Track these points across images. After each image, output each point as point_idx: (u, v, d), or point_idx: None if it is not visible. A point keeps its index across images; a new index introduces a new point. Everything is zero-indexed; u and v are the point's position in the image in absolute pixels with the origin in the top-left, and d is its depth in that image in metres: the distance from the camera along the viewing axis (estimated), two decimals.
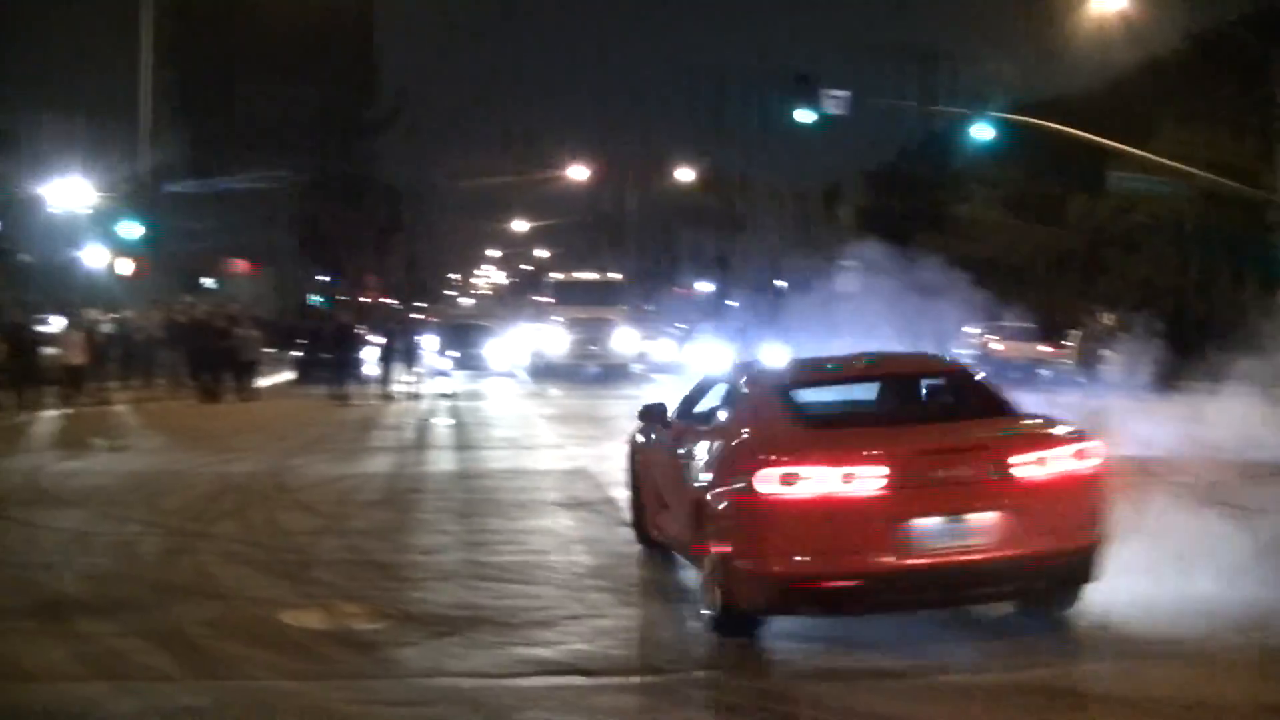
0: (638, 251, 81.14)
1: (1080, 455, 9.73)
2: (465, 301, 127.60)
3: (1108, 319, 42.33)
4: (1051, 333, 48.15)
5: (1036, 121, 40.89)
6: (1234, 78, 44.36)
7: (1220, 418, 26.60)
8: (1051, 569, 9.55)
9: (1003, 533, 9.26)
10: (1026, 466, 9.44)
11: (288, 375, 43.22)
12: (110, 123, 45.76)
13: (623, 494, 14.58)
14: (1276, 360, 35.28)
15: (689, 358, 46.69)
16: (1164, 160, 42.57)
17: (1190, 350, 37.94)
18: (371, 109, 78.41)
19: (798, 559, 9.15)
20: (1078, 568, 9.60)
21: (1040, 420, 10.50)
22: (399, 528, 14.47)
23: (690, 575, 10.97)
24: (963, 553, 9.21)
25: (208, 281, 68.57)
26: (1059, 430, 10.07)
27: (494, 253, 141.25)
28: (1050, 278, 61.09)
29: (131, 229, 40.16)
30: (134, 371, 35.99)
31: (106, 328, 37.24)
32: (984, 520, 9.28)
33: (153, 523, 14.75)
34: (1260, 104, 43.36)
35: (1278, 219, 43.07)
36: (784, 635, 9.57)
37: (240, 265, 67.39)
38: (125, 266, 41.23)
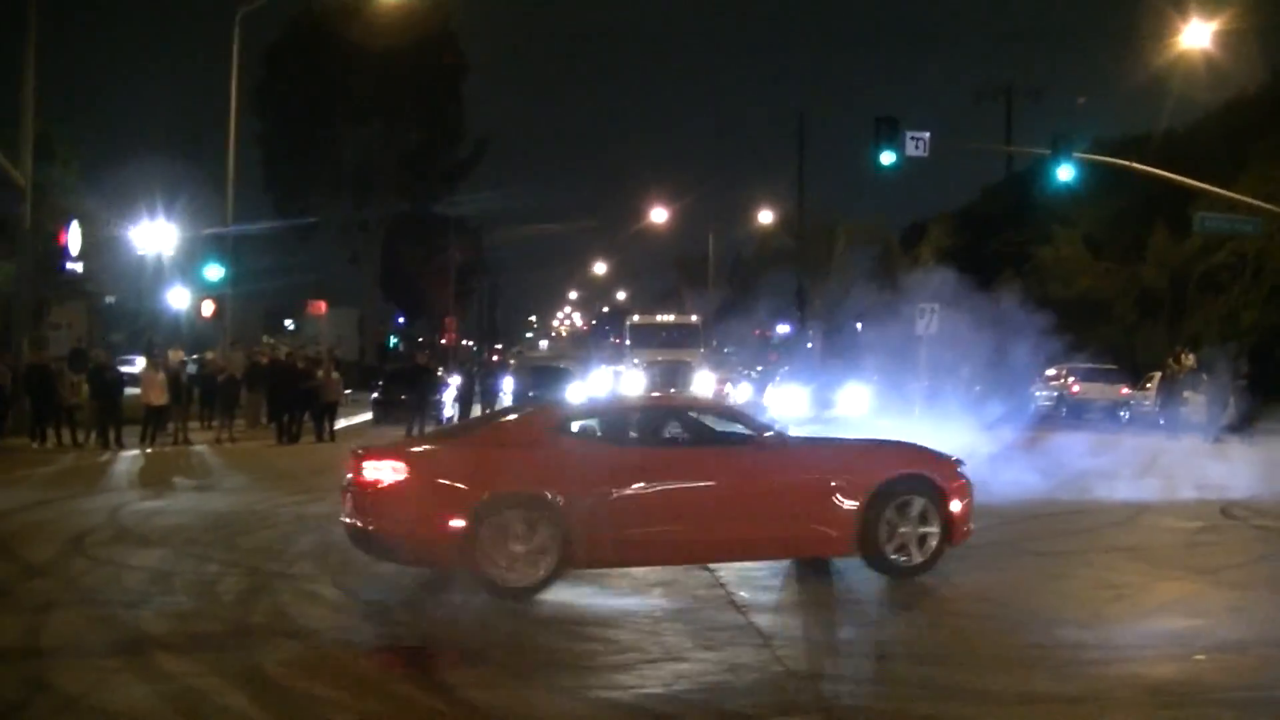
0: (717, 294, 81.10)
1: None
2: (543, 344, 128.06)
3: (1189, 360, 41.87)
4: (1133, 374, 47.73)
5: (1118, 161, 40.65)
6: None
7: None
8: None
9: None
10: None
11: (366, 416, 43.46)
12: (197, 165, 46.44)
13: None
14: None
15: (768, 400, 46.59)
16: (1248, 199, 42.17)
17: (1273, 392, 37.51)
18: (455, 152, 78.84)
19: None
20: None
21: None
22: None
23: (763, 619, 10.91)
24: None
25: (289, 323, 69.18)
26: None
27: (574, 294, 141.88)
28: (1132, 318, 60.54)
29: (214, 271, 40.65)
30: (214, 412, 36.28)
31: (189, 368, 37.60)
32: None
33: (233, 562, 14.82)
34: None
35: None
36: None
37: (321, 306, 67.93)
38: (207, 308, 41.72)
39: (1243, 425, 37.40)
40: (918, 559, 13.76)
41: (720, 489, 13.44)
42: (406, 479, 12.72)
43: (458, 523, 12.40)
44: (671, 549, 13.38)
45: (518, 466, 13.06)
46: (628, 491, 13.01)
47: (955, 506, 13.96)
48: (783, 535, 13.57)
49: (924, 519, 13.78)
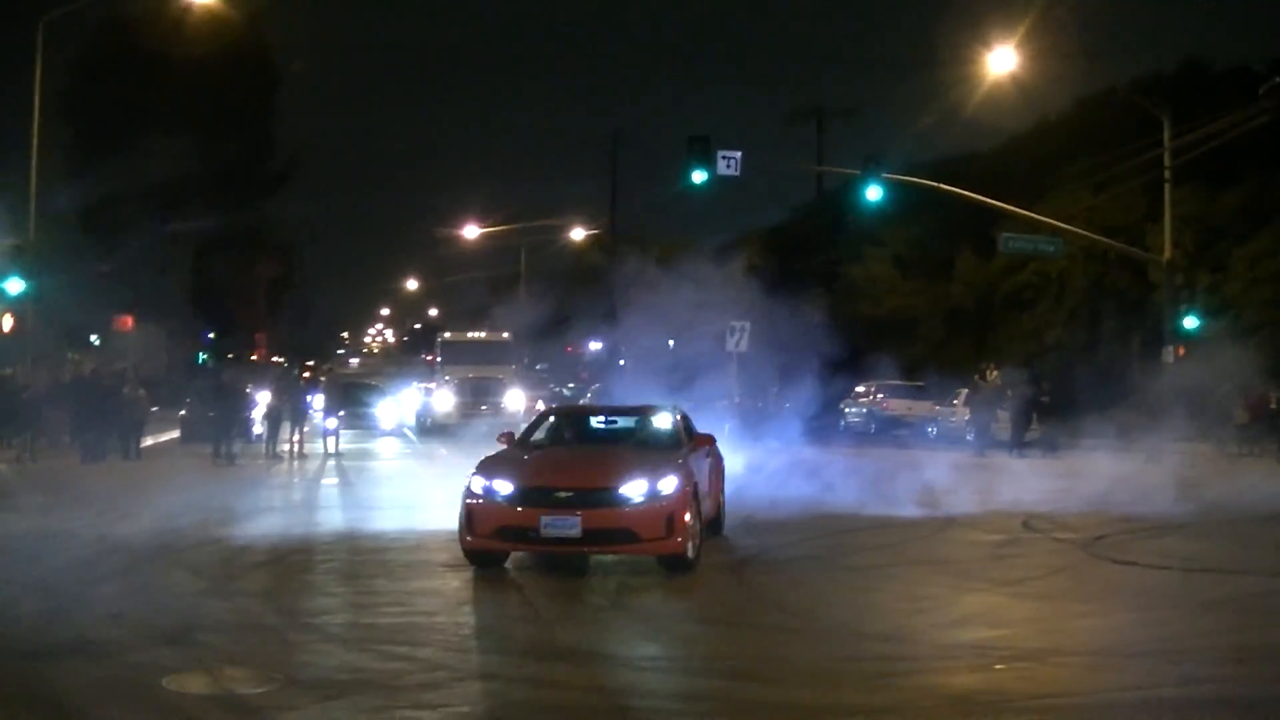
0: (529, 311, 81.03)
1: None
2: (354, 360, 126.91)
3: (995, 377, 42.83)
4: (941, 391, 48.63)
5: (926, 182, 41.38)
6: (1121, 140, 45.15)
7: (1102, 472, 27.10)
8: None
9: None
10: None
11: (174, 434, 42.62)
12: None
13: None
14: (1160, 416, 35.94)
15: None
16: (1051, 220, 43.21)
17: (1077, 407, 38.53)
18: (266, 165, 77.84)
19: None
20: None
21: None
22: (284, 590, 14.28)
23: (578, 634, 10.92)
24: None
25: (94, 338, 67.59)
26: None
27: (386, 311, 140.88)
28: (940, 336, 61.73)
29: (15, 284, 39.54)
30: (15, 430, 35.22)
31: None
32: None
33: (31, 585, 14.43)
34: (1146, 166, 44.14)
35: (1162, 278, 43.78)
36: None
37: (128, 321, 66.43)
38: (7, 322, 40.59)
39: (1045, 440, 38.37)
40: None
41: None
42: None
43: None
44: None
45: None
46: None
47: None
48: None
49: None
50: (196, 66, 61.79)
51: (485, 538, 14.81)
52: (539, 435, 18.18)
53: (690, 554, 14.68)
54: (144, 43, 61.38)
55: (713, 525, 17.04)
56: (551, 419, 19.26)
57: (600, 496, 14.57)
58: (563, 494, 14.60)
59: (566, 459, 16.59)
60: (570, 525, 14.33)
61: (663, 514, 14.41)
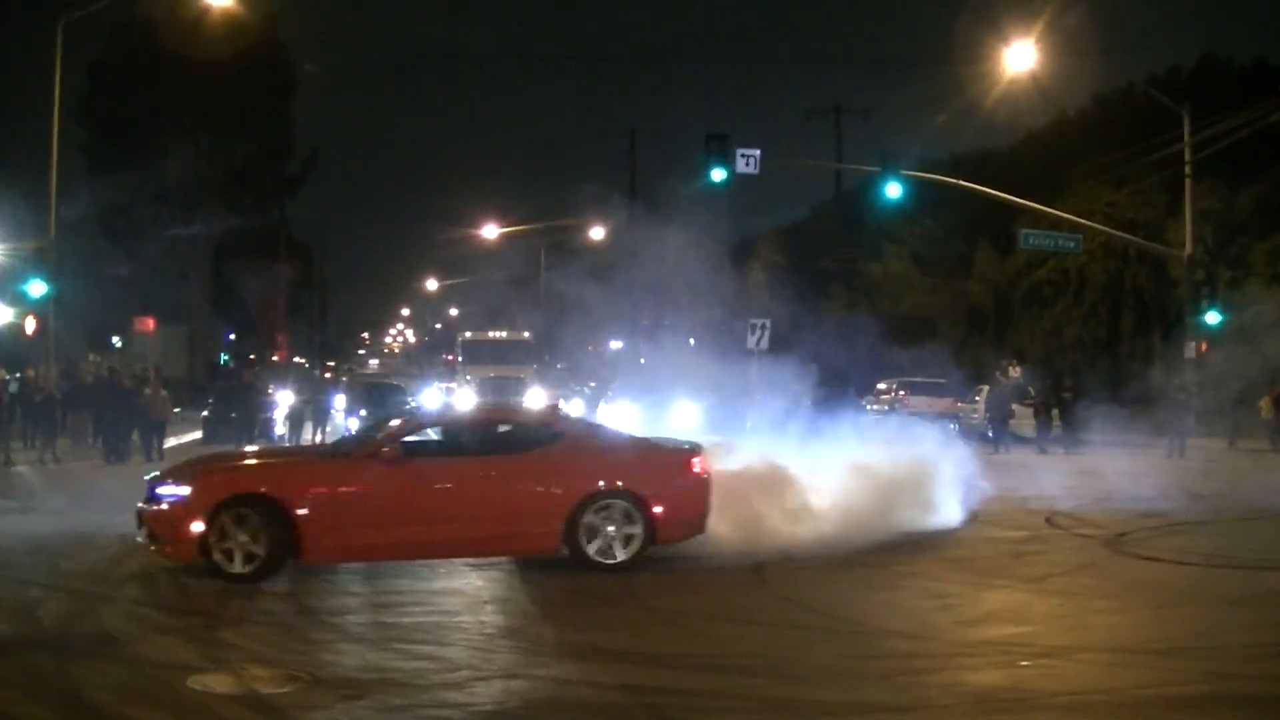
0: (550, 309, 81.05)
1: None
2: (373, 361, 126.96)
3: (1015, 373, 42.72)
4: (962, 387, 48.47)
5: (945, 179, 41.36)
6: (1140, 136, 45.07)
7: (1124, 469, 27.01)
8: None
9: None
10: None
11: (196, 435, 42.70)
12: (18, 178, 45.22)
13: None
14: (1182, 412, 35.84)
15: (602, 416, 46.52)
16: (1070, 216, 43.13)
17: (1098, 403, 38.45)
18: (285, 166, 77.92)
19: None
20: None
21: None
22: (307, 589, 14.30)
23: (601, 633, 10.94)
24: None
25: (116, 340, 67.80)
26: None
27: (406, 311, 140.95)
28: (959, 333, 61.59)
29: (37, 287, 39.64)
30: (37, 431, 35.25)
31: (11, 387, 36.61)
32: None
33: (54, 585, 14.48)
34: (1166, 162, 44.05)
35: (1182, 274, 43.69)
36: None
37: (149, 323, 66.61)
38: (30, 325, 40.71)
39: (1066, 436, 38.29)
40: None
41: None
42: None
43: None
44: None
45: None
46: None
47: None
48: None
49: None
50: (214, 68, 61.81)
51: None
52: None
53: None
54: (161, 45, 61.48)
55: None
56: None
57: None
58: None
59: None
60: None
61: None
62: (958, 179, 41.53)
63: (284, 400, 39.87)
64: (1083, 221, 43.59)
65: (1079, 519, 20.44)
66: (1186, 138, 41.23)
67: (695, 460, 16.34)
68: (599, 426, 17.92)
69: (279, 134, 75.76)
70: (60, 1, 40.62)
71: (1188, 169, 41.77)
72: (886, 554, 16.84)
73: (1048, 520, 20.29)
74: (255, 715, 9.27)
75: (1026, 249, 47.96)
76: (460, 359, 54.18)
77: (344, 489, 15.22)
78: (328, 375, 75.68)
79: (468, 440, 16.87)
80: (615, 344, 74.75)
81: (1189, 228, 42.29)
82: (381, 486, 15.19)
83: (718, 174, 35.45)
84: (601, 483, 15.64)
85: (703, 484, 16.26)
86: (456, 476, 15.77)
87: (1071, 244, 43.78)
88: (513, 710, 9.51)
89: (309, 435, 36.92)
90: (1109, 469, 27.85)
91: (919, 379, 50.94)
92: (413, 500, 15.22)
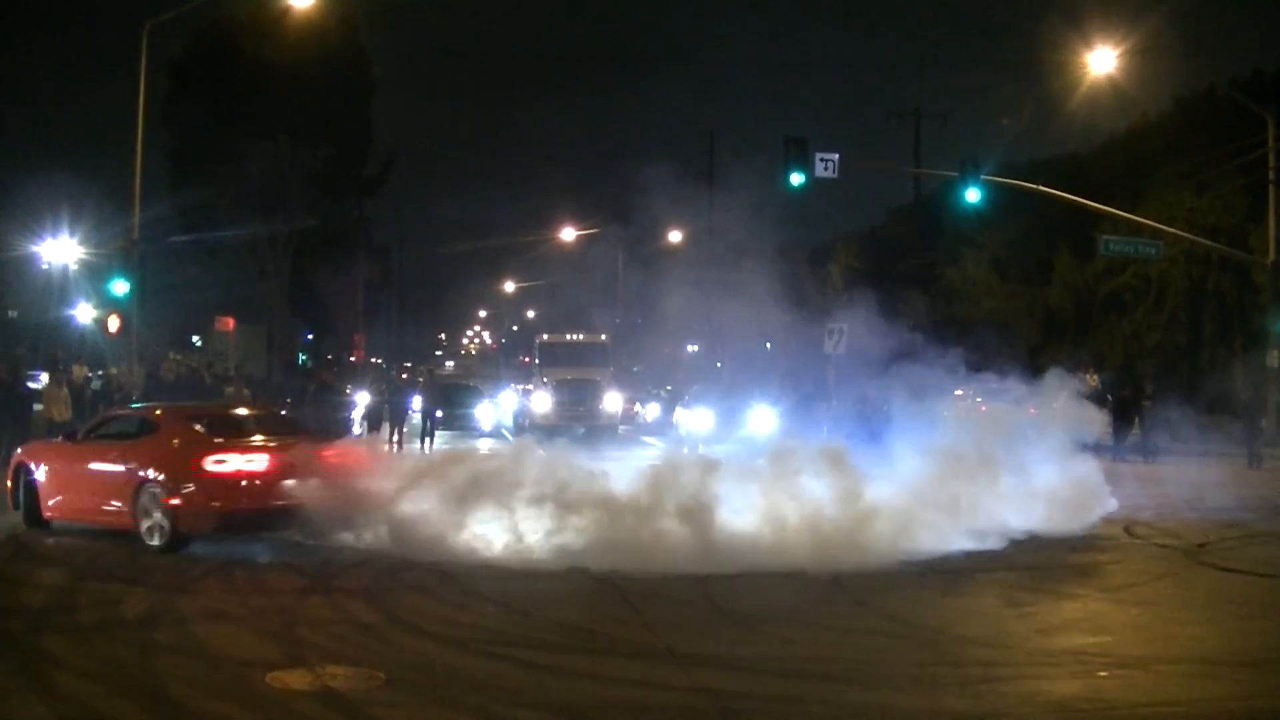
0: (626, 312, 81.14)
1: None
2: (449, 363, 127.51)
3: (1094, 381, 42.34)
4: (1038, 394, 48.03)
5: (1025, 184, 41.02)
6: (1223, 141, 44.61)
7: (1204, 478, 26.70)
8: None
9: None
10: None
11: None
12: (103, 180, 45.80)
13: None
14: (1264, 421, 35.40)
15: (678, 419, 46.54)
16: (1151, 222, 42.75)
17: (1178, 411, 38.02)
18: (364, 167, 78.36)
19: None
20: None
21: None
22: (383, 588, 14.38)
23: (676, 635, 10.91)
24: None
25: (196, 339, 68.52)
26: None
27: (483, 313, 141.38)
28: (1037, 339, 61.14)
29: (120, 286, 40.08)
30: None
31: (93, 384, 37.05)
32: None
33: (132, 580, 14.66)
34: (1248, 167, 43.58)
35: (1266, 280, 43.20)
36: None
37: (229, 323, 67.33)
38: (113, 323, 41.16)
39: (1145, 444, 37.91)
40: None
41: None
42: None
43: None
44: None
45: None
46: None
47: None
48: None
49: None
50: (295, 70, 62.24)
51: None
52: None
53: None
54: (243, 47, 61.99)
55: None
56: None
57: None
58: None
59: None
60: None
61: None
62: (1037, 183, 41.19)
63: (361, 401, 40.09)
64: (1163, 227, 43.19)
65: (1158, 528, 20.23)
66: (1270, 142, 40.77)
67: (211, 458, 17.03)
68: (193, 423, 18.40)
69: (359, 135, 76.11)
70: (144, 5, 41.12)
71: (1271, 174, 41.30)
72: (962, 560, 16.76)
73: (1126, 529, 20.09)
74: (332, 713, 9.36)
75: (1107, 254, 47.52)
76: (537, 360, 54.20)
77: (55, 464, 19.22)
78: (404, 376, 75.97)
79: (119, 430, 19.16)
80: (691, 348, 74.81)
81: (1271, 233, 41.78)
82: (66, 464, 19.01)
83: (796, 178, 35.34)
84: (150, 472, 17.32)
85: (215, 481, 16.93)
86: (92, 457, 18.61)
87: (1152, 250, 43.36)
88: (587, 711, 9.54)
89: (386, 435, 37.08)
90: (1189, 478, 27.56)
91: (994, 385, 50.61)
92: (72, 476, 18.73)
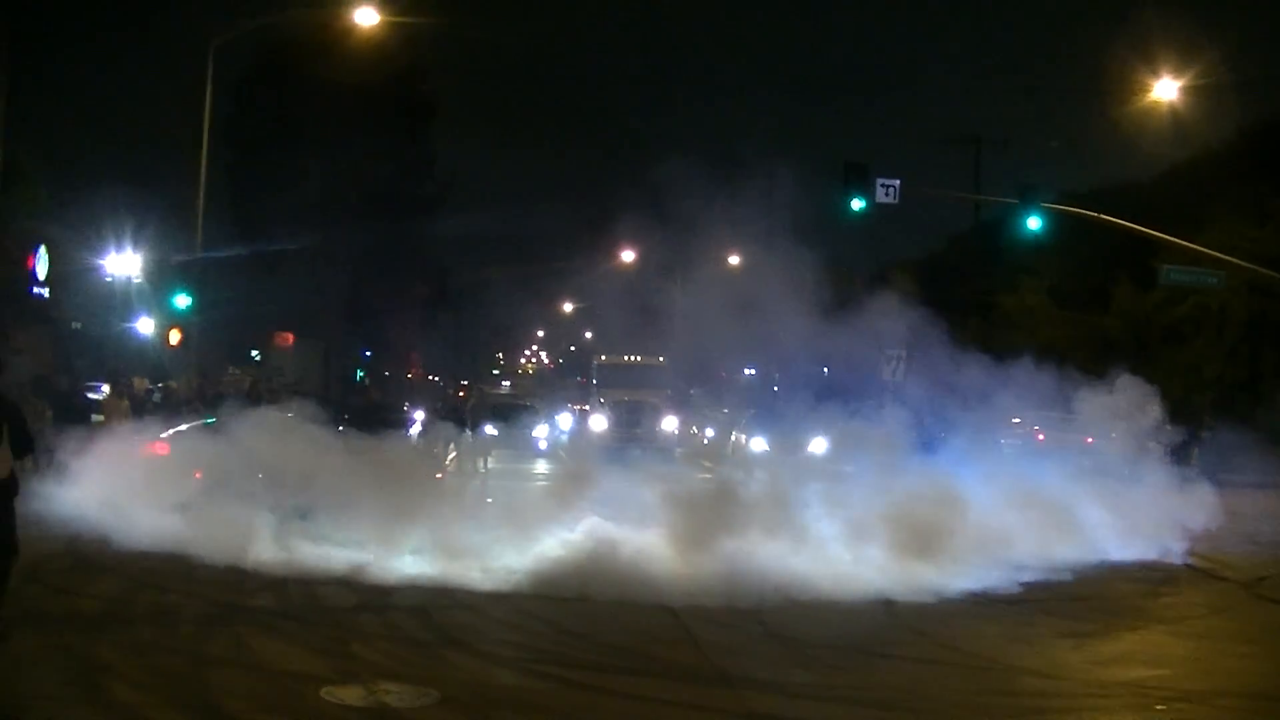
0: (684, 335, 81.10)
1: None
2: (505, 383, 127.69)
3: (1153, 411, 41.97)
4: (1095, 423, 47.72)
5: (1085, 212, 40.71)
6: None
7: (1263, 511, 26.43)
8: None
9: None
10: None
11: None
12: (166, 195, 46.14)
13: None
14: None
15: (733, 443, 46.40)
16: (1212, 252, 42.43)
17: (1238, 443, 37.68)
18: (423, 186, 78.67)
19: None
20: None
21: None
22: (435, 606, 14.40)
23: (729, 659, 10.87)
24: None
25: (255, 353, 68.86)
26: None
27: (541, 333, 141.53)
28: (1096, 369, 60.72)
29: (182, 299, 40.45)
30: None
31: (153, 396, 37.31)
32: None
33: (190, 593, 14.72)
34: None
35: None
36: None
37: (288, 338, 67.56)
38: (174, 336, 41.47)
39: (1204, 476, 37.53)
40: None
41: None
42: None
43: None
44: None
45: None
46: None
47: None
48: None
49: None
50: (355, 89, 62.61)
51: None
52: None
53: None
54: (305, 65, 62.40)
55: None
56: None
57: None
58: None
59: None
60: None
61: None
62: (1096, 212, 40.90)
63: (418, 418, 40.13)
64: (1225, 257, 42.83)
65: (1217, 561, 20.02)
66: None
67: None
68: None
69: (418, 155, 76.56)
70: (210, 24, 41.42)
71: None
72: (1015, 589, 16.64)
73: (1185, 562, 19.92)
74: None
75: (1167, 284, 47.15)
76: (594, 381, 54.21)
77: None
78: (460, 394, 76.13)
79: None
80: (749, 371, 74.70)
81: None
82: None
83: (856, 204, 35.20)
84: None
85: None
86: None
87: (1214, 280, 42.97)
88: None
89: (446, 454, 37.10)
90: (1248, 510, 27.27)
91: (1052, 414, 50.33)
92: None
